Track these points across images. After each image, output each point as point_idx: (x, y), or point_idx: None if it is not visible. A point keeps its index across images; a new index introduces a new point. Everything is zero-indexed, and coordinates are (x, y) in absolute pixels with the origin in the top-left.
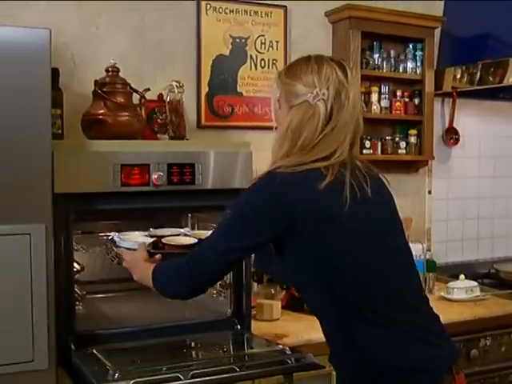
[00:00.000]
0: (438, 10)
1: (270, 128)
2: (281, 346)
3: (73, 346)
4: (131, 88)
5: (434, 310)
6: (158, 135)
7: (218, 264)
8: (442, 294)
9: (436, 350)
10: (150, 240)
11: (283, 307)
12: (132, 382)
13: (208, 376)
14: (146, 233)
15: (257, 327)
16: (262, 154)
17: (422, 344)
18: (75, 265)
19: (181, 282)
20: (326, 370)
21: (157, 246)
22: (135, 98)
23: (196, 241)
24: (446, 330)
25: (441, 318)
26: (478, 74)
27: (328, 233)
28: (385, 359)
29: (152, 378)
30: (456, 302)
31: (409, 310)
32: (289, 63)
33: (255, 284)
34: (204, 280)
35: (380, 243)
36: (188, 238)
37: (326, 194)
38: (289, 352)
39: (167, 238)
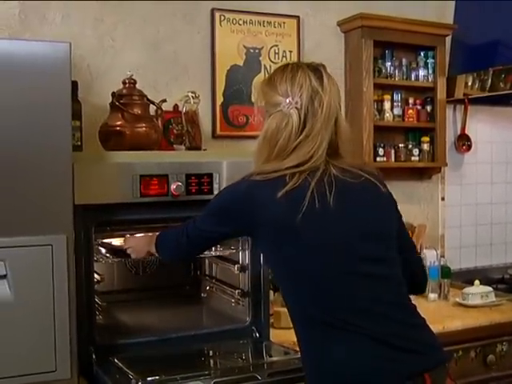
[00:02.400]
0: (448, 17)
1: None
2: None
3: (94, 356)
4: (148, 99)
5: (418, 319)
6: (175, 146)
7: (197, 238)
8: (458, 299)
9: (399, 353)
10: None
11: None
12: None
13: None
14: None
15: (275, 335)
16: None
17: (380, 347)
18: (95, 275)
19: (174, 249)
20: None
21: None
22: (152, 109)
23: None
24: (431, 338)
25: (430, 327)
26: (489, 80)
27: (283, 240)
28: (342, 360)
29: None
30: (471, 307)
31: (372, 316)
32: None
33: (272, 292)
34: (189, 249)
35: (338, 253)
36: None
37: (283, 202)
38: None
39: None
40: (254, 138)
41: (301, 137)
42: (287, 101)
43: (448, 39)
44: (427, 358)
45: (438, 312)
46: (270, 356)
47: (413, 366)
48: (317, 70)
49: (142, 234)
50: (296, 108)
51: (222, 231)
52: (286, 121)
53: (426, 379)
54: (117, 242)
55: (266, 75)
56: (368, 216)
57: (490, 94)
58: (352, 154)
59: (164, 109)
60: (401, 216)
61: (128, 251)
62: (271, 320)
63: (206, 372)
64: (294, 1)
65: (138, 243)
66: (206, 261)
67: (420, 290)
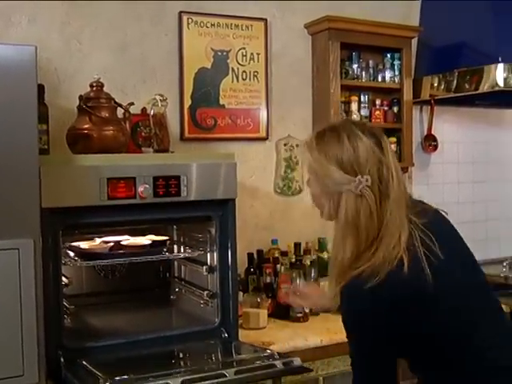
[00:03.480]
0: (414, 20)
1: (252, 139)
2: (269, 351)
3: (62, 360)
4: (115, 102)
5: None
6: (143, 148)
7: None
8: None
9: None
10: (110, 244)
11: (269, 315)
12: None
13: (198, 382)
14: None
15: (244, 336)
16: (245, 164)
17: None
18: (63, 278)
19: None
20: (314, 374)
21: (118, 248)
22: (119, 112)
23: (150, 242)
24: None
25: None
26: (455, 81)
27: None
28: None
29: None
30: None
31: None
32: (316, 132)
33: (241, 293)
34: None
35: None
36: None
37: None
38: (277, 356)
39: (125, 240)
40: (222, 140)
41: (384, 213)
42: (357, 180)
43: (414, 41)
44: None
45: None
46: (240, 354)
47: None
48: (373, 134)
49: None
50: (368, 186)
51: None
52: (360, 201)
53: None
54: (87, 244)
55: (234, 77)
56: (459, 246)
57: (456, 94)
58: None
59: (132, 112)
60: None
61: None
62: (240, 321)
63: (175, 371)
64: (261, 2)
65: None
66: (175, 263)
67: None
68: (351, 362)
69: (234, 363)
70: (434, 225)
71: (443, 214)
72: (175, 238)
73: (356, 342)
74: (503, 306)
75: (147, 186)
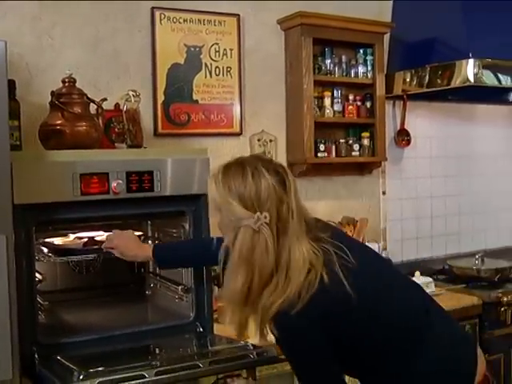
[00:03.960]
0: (386, 16)
1: (226, 134)
2: (242, 343)
3: (36, 356)
4: (88, 98)
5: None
6: (116, 144)
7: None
8: None
9: None
10: (84, 240)
11: None
12: (97, 381)
13: (172, 373)
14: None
15: (220, 330)
16: (218, 160)
17: None
18: (37, 275)
19: None
20: (290, 367)
21: (92, 243)
22: (92, 108)
23: None
24: None
25: None
26: (427, 77)
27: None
28: None
29: (117, 376)
30: None
31: None
32: (223, 165)
33: (216, 287)
34: None
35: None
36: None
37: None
38: (251, 347)
39: (99, 236)
40: (195, 135)
41: (282, 249)
42: (255, 216)
43: (386, 37)
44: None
45: None
46: (214, 347)
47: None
48: (277, 172)
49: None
50: (266, 223)
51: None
52: (257, 237)
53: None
54: (60, 240)
55: (208, 73)
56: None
57: (428, 89)
58: (293, 150)
59: (105, 107)
60: None
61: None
62: (215, 315)
63: (149, 363)
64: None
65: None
66: None
67: None
68: None
69: (209, 354)
70: (338, 236)
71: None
72: (149, 234)
73: (298, 367)
74: (475, 298)
75: (120, 181)
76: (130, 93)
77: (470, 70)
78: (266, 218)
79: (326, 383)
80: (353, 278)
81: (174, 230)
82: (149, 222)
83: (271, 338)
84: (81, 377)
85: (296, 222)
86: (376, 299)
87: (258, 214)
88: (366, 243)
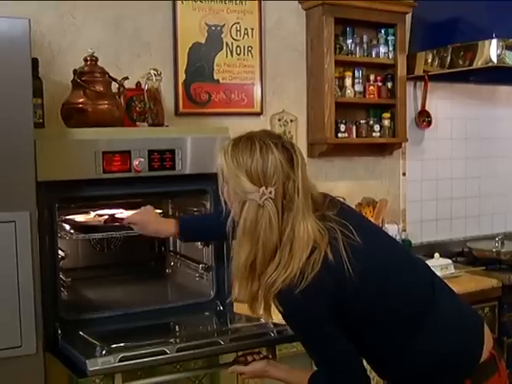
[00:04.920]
0: None
1: (246, 114)
2: (263, 320)
3: (59, 331)
4: (110, 77)
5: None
6: (137, 123)
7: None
8: None
9: None
10: (105, 217)
11: None
12: (120, 355)
13: (193, 349)
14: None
15: (238, 309)
16: None
17: None
18: (59, 252)
19: None
20: None
21: (112, 221)
22: (114, 86)
23: None
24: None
25: None
26: (449, 57)
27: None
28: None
29: (139, 352)
30: None
31: None
32: (233, 139)
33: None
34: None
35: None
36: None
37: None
38: (271, 326)
39: (119, 214)
40: (216, 114)
41: (286, 226)
42: (260, 191)
43: (408, 17)
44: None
45: None
46: (234, 324)
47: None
48: (286, 149)
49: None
50: (271, 199)
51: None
52: (261, 212)
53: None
54: (82, 218)
55: (229, 52)
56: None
57: (450, 70)
58: (314, 131)
59: (126, 86)
60: None
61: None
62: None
63: (170, 340)
64: None
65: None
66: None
67: None
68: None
69: (229, 332)
70: (345, 213)
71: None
72: (170, 212)
73: (305, 341)
74: (494, 281)
75: (142, 159)
76: (152, 71)
77: (493, 50)
78: (270, 193)
79: (333, 356)
80: (357, 257)
81: (195, 209)
82: (169, 201)
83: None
84: (103, 352)
85: (302, 199)
86: (381, 278)
87: (264, 188)
88: (386, 224)
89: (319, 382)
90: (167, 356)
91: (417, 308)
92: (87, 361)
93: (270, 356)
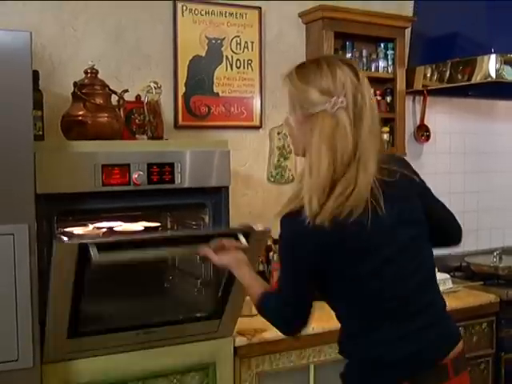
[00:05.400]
0: (408, 10)
1: (246, 127)
2: None
3: None
4: (110, 89)
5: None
6: (137, 136)
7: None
8: None
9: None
10: (103, 230)
11: None
12: None
13: None
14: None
15: (239, 322)
16: (238, 152)
17: None
18: None
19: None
20: (305, 362)
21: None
22: (114, 99)
23: (142, 228)
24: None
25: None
26: (448, 72)
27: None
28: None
29: None
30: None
31: None
32: (296, 65)
33: None
34: None
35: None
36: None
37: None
38: None
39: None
40: (215, 128)
41: (358, 137)
42: (332, 101)
43: (408, 31)
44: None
45: None
46: None
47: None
48: (351, 66)
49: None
50: (343, 108)
51: None
52: (335, 121)
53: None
54: (80, 230)
55: (228, 65)
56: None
57: (448, 85)
58: None
59: (126, 99)
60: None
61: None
62: None
63: None
64: None
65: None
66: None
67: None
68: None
69: None
70: (390, 184)
71: (413, 179)
72: (168, 225)
73: (281, 267)
74: (492, 296)
75: (141, 172)
76: (152, 84)
77: (491, 65)
78: (342, 102)
79: (291, 293)
80: (372, 225)
81: (194, 222)
82: (168, 214)
83: None
84: None
85: (369, 113)
86: (381, 255)
87: (335, 98)
88: None
89: (270, 300)
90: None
91: (394, 303)
92: None
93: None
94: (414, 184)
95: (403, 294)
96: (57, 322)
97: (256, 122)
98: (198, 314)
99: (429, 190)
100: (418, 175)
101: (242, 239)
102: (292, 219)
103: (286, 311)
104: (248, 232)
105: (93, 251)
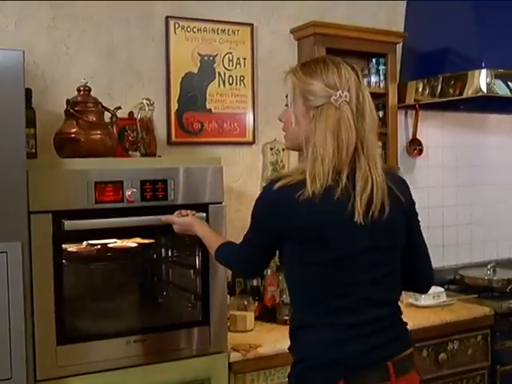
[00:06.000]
0: (399, 25)
1: (238, 143)
2: None
3: None
4: (102, 106)
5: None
6: (130, 153)
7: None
8: (410, 300)
9: None
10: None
11: (256, 318)
12: None
13: None
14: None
15: (231, 338)
16: (231, 168)
17: None
18: None
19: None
20: None
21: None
22: (106, 116)
23: (136, 245)
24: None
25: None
26: (439, 86)
27: None
28: None
29: None
30: (424, 307)
31: None
32: (301, 62)
33: (228, 296)
34: None
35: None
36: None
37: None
38: None
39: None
40: (208, 144)
41: (362, 131)
42: (337, 94)
43: (399, 47)
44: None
45: None
46: None
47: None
48: (353, 67)
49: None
50: (346, 102)
51: None
52: (340, 113)
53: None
54: (74, 248)
55: (221, 82)
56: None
57: (440, 99)
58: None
59: (119, 116)
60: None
61: (174, 226)
62: (228, 323)
63: None
64: (248, 7)
65: (185, 222)
66: (163, 266)
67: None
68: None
69: None
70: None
71: (399, 199)
72: (162, 241)
73: (250, 223)
74: (486, 309)
75: (135, 189)
76: (144, 101)
77: (482, 80)
78: (346, 96)
79: (250, 249)
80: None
81: (187, 239)
82: (162, 231)
83: None
84: None
85: (369, 114)
86: (344, 251)
87: (340, 91)
88: None
89: (223, 247)
90: None
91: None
92: None
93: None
94: (401, 209)
95: (357, 288)
96: (44, 325)
97: (249, 138)
98: (186, 320)
99: (416, 220)
100: (410, 202)
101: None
102: (281, 188)
103: (238, 263)
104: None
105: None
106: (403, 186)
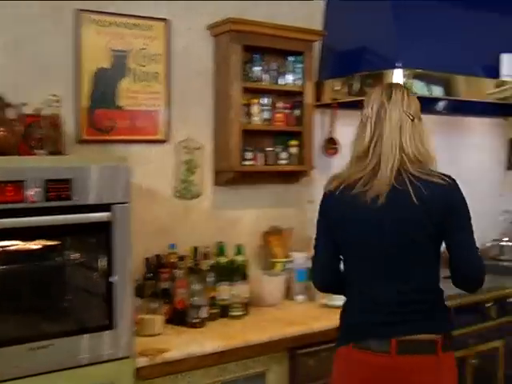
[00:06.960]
0: (318, 24)
1: (151, 141)
2: None
3: None
4: (5, 102)
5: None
6: (35, 151)
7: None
8: (324, 301)
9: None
10: None
11: (167, 321)
12: None
13: None
14: None
15: (139, 342)
16: (144, 167)
17: None
18: None
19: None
20: (211, 381)
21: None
22: (11, 112)
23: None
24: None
25: None
26: (356, 85)
27: None
28: None
29: None
30: (337, 308)
31: None
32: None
33: (138, 298)
34: None
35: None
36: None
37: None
38: None
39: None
40: (120, 142)
41: (372, 144)
42: (364, 112)
43: (317, 45)
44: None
45: (304, 313)
46: None
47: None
48: (390, 86)
49: None
50: (368, 117)
51: None
52: (363, 126)
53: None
54: None
55: (134, 78)
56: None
57: (357, 98)
58: (220, 158)
59: (26, 113)
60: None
61: None
62: (135, 328)
63: None
64: (162, 2)
65: None
66: (68, 268)
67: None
68: None
69: None
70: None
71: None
72: (68, 243)
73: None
74: None
75: (38, 189)
76: (51, 97)
77: (397, 79)
78: (368, 113)
79: (318, 248)
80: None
81: (94, 240)
82: (68, 231)
83: None
84: None
85: (388, 126)
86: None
87: (365, 109)
88: (293, 253)
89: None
90: None
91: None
92: None
93: None
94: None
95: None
96: None
97: (161, 136)
98: (91, 325)
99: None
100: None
101: None
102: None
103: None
104: None
105: None
106: (433, 190)
